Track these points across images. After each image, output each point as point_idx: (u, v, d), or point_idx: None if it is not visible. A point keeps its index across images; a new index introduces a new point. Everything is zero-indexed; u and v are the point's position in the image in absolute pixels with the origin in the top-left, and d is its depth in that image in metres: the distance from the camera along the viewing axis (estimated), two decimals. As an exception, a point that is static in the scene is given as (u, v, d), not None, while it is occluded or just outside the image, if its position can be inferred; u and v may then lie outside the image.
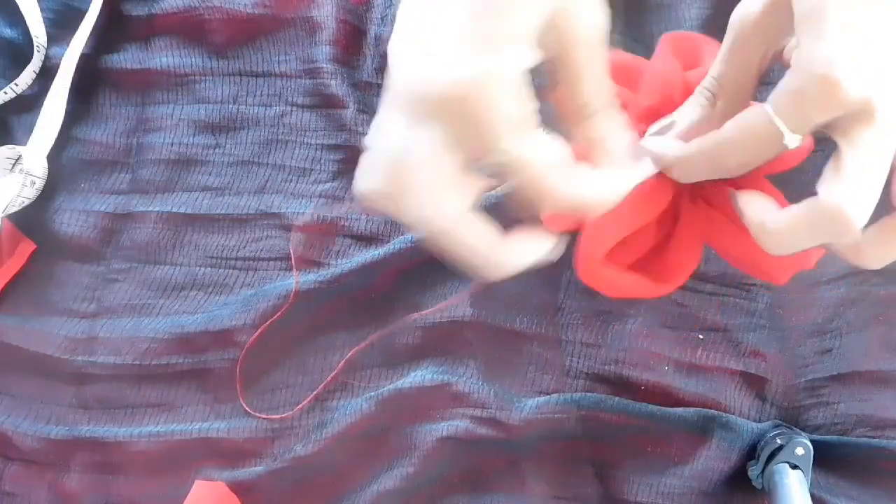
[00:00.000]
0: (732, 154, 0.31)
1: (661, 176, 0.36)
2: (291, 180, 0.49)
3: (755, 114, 0.30)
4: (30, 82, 0.50)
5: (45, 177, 0.48)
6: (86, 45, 0.50)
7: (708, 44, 0.40)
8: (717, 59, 0.33)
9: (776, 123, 0.29)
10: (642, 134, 0.37)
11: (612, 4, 0.49)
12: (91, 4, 0.50)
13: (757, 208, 0.32)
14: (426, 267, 0.46)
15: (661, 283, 0.38)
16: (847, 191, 0.28)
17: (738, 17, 0.32)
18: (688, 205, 0.38)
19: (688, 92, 0.38)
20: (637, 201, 0.36)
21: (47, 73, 0.51)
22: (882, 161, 0.29)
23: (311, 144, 0.49)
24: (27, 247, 0.48)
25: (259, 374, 0.45)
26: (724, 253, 0.38)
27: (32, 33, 0.50)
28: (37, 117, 0.49)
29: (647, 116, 0.38)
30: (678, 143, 0.34)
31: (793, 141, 0.29)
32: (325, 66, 0.49)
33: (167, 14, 0.51)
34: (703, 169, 0.33)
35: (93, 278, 0.48)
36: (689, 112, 0.35)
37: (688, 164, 0.33)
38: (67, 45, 0.51)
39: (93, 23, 0.50)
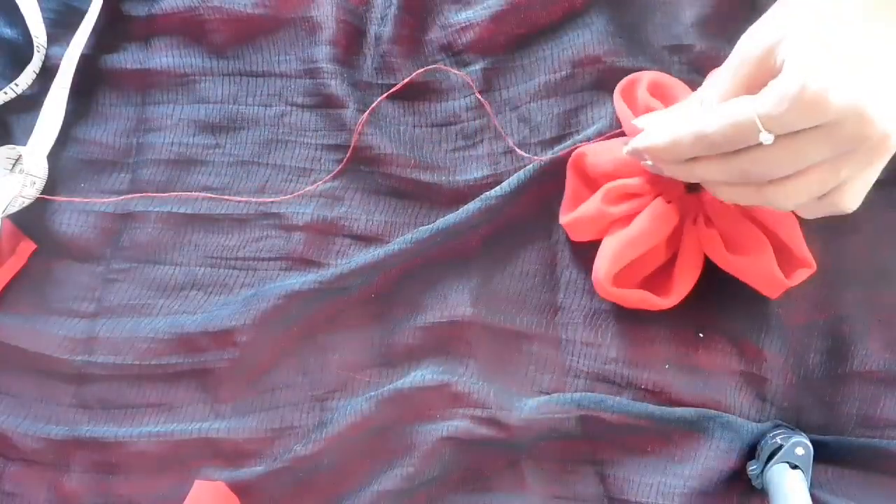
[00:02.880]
0: (713, 137, 0.34)
1: (669, 203, 0.41)
2: (291, 180, 0.49)
3: (740, 109, 0.33)
4: (30, 82, 0.50)
5: (46, 177, 0.48)
6: (86, 45, 0.50)
7: (669, 80, 0.45)
8: (722, 78, 0.36)
9: (757, 123, 0.32)
10: None
11: (613, 4, 0.49)
12: (91, 4, 0.50)
13: None
14: (426, 267, 0.46)
15: (667, 296, 0.42)
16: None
17: (747, 46, 0.35)
18: (690, 226, 0.42)
19: None
20: (648, 226, 0.41)
21: (47, 73, 0.51)
22: None
23: (311, 144, 0.49)
24: (27, 247, 0.48)
25: (259, 374, 0.45)
26: (724, 266, 0.42)
27: (32, 33, 0.50)
28: (37, 117, 0.49)
29: None
30: (669, 123, 0.37)
31: (767, 139, 0.33)
32: (325, 66, 0.49)
33: (167, 14, 0.51)
34: (688, 148, 0.36)
35: (93, 278, 0.48)
36: (681, 111, 0.39)
37: (675, 144, 0.36)
38: (68, 44, 0.51)
39: (93, 23, 0.50)
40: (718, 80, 0.36)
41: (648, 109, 0.43)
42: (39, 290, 0.48)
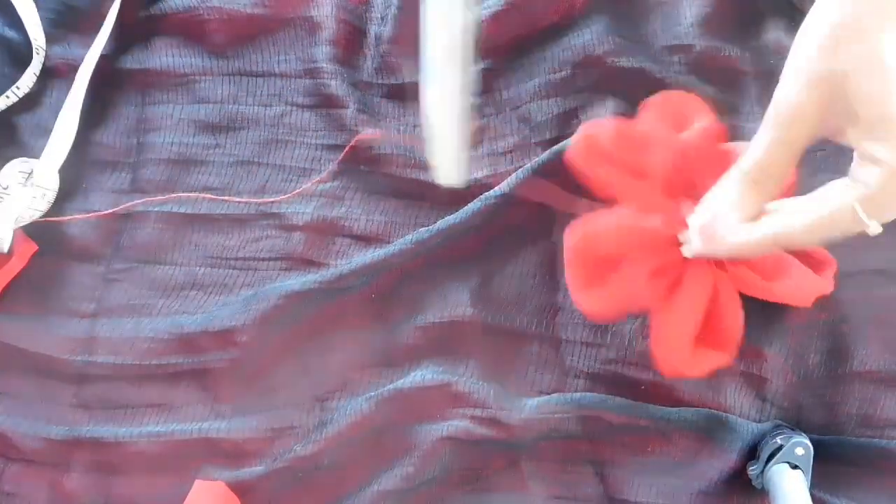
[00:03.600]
0: (807, 237, 0.32)
1: (700, 264, 0.38)
2: (291, 180, 0.49)
3: (838, 207, 0.31)
4: (31, 85, 0.50)
5: (57, 189, 0.48)
6: (85, 44, 0.50)
7: (689, 100, 0.42)
8: (759, 145, 0.33)
9: (863, 219, 0.30)
10: (671, 207, 0.39)
11: (613, 4, 0.49)
12: (104, 25, 0.50)
13: None
14: (426, 267, 0.46)
15: (728, 348, 0.40)
16: None
17: (782, 104, 0.32)
18: (717, 271, 0.39)
19: (689, 156, 0.40)
20: (693, 295, 0.38)
21: (48, 74, 0.51)
22: None
23: (311, 144, 0.49)
24: (29, 248, 0.48)
25: (259, 374, 0.45)
26: (767, 296, 0.40)
27: (31, 36, 0.50)
28: (40, 116, 0.49)
29: (668, 189, 0.39)
30: (745, 226, 0.34)
31: (876, 229, 0.30)
32: (325, 66, 0.49)
33: (167, 14, 0.51)
34: (770, 249, 0.34)
35: (93, 278, 0.48)
36: (728, 194, 0.35)
37: (758, 247, 0.34)
38: (68, 45, 0.51)
39: (107, 36, 0.50)
40: (763, 139, 0.33)
41: (624, 164, 0.40)
42: (39, 291, 0.48)
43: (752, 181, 0.33)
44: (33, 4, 0.51)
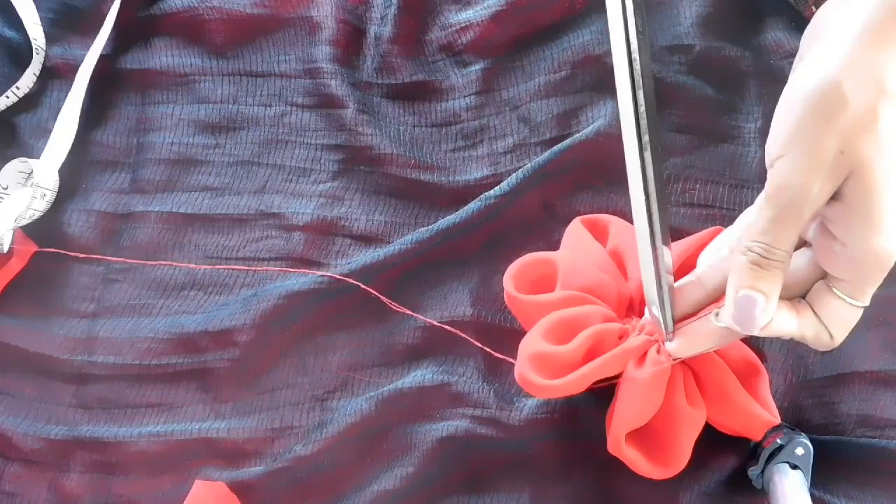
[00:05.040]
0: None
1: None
2: (291, 180, 0.49)
3: (836, 307, 0.34)
4: (31, 85, 0.50)
5: (57, 189, 0.48)
6: (85, 44, 0.50)
7: (611, 223, 0.43)
8: (760, 229, 0.33)
9: (855, 305, 0.33)
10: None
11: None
12: (104, 25, 0.50)
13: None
14: (426, 267, 0.46)
15: (668, 463, 0.39)
16: None
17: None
18: (676, 366, 0.39)
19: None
20: (651, 387, 0.38)
21: (49, 73, 0.51)
22: None
23: (310, 144, 0.49)
24: (28, 248, 0.48)
25: (259, 374, 0.45)
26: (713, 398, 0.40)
27: (31, 36, 0.50)
28: (40, 116, 0.49)
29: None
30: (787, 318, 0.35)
31: (866, 303, 0.34)
32: (324, 66, 0.49)
33: (167, 14, 0.51)
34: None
35: (93, 278, 0.48)
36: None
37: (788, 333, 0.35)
38: (68, 45, 0.51)
39: (105, 38, 0.50)
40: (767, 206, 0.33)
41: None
42: (39, 291, 0.48)
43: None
44: (33, 4, 0.51)
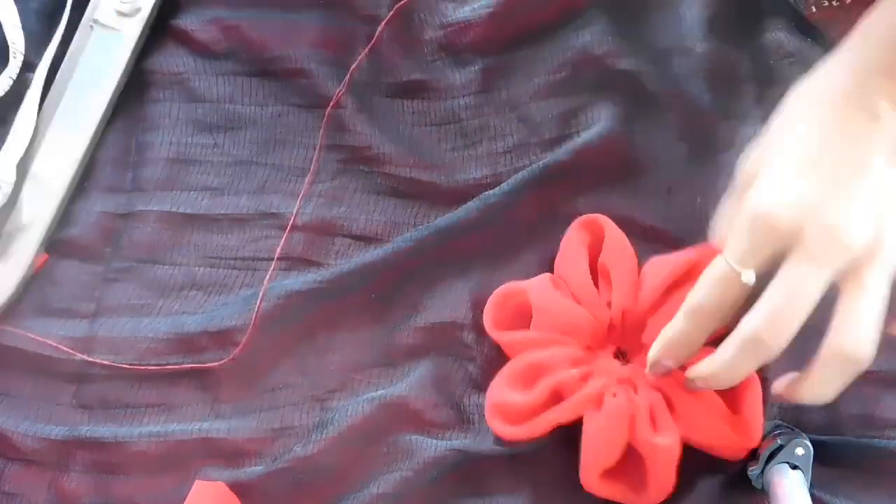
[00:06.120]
0: (706, 307, 0.35)
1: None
2: (290, 180, 0.49)
3: (713, 264, 0.34)
4: (7, 88, 0.50)
5: (13, 183, 0.48)
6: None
7: (606, 227, 0.43)
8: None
9: (731, 265, 0.33)
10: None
11: (613, 5, 0.49)
12: (62, 19, 0.50)
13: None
14: (426, 267, 0.46)
15: (651, 491, 0.39)
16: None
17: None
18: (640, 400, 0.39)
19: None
20: (609, 428, 0.39)
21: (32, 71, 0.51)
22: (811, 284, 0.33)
23: (309, 144, 0.49)
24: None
25: (259, 374, 0.45)
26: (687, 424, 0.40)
27: (9, 39, 0.50)
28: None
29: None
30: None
31: (749, 277, 0.33)
32: (323, 66, 0.49)
33: (164, 14, 0.51)
34: (701, 337, 0.36)
35: (93, 278, 0.48)
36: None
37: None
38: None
39: (61, 34, 0.50)
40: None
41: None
42: (39, 291, 0.48)
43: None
44: (14, 7, 0.51)
